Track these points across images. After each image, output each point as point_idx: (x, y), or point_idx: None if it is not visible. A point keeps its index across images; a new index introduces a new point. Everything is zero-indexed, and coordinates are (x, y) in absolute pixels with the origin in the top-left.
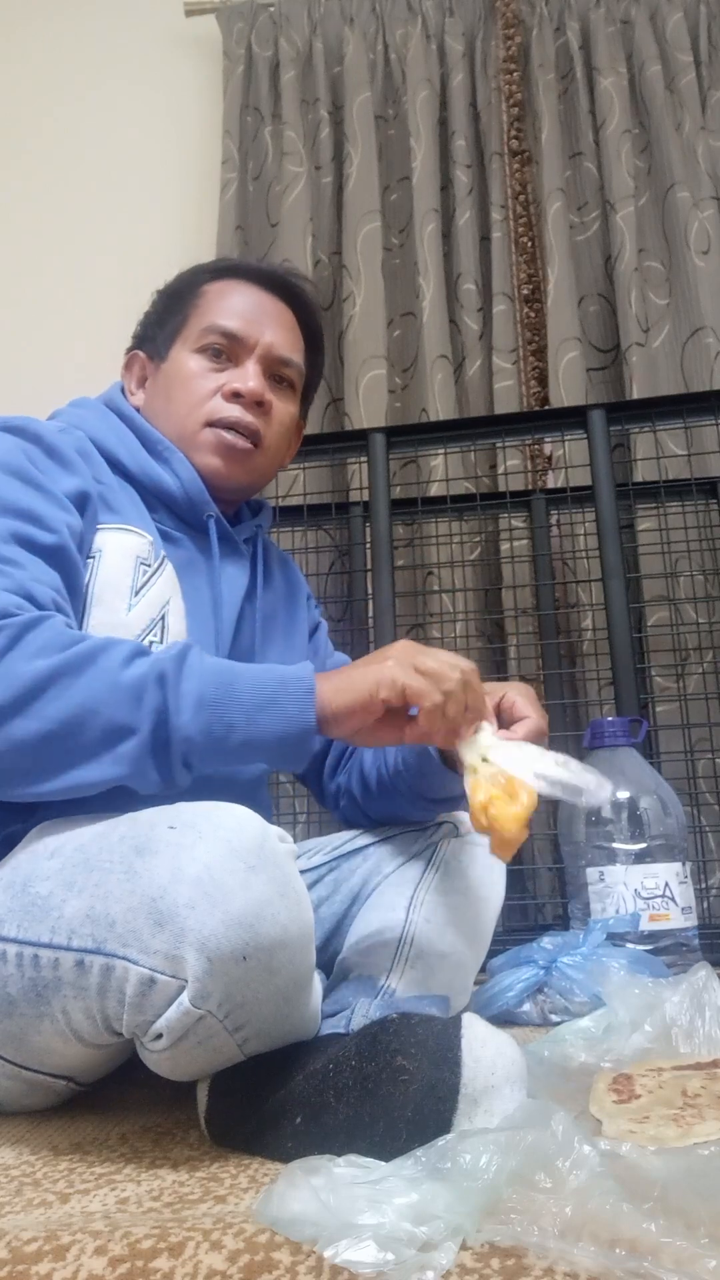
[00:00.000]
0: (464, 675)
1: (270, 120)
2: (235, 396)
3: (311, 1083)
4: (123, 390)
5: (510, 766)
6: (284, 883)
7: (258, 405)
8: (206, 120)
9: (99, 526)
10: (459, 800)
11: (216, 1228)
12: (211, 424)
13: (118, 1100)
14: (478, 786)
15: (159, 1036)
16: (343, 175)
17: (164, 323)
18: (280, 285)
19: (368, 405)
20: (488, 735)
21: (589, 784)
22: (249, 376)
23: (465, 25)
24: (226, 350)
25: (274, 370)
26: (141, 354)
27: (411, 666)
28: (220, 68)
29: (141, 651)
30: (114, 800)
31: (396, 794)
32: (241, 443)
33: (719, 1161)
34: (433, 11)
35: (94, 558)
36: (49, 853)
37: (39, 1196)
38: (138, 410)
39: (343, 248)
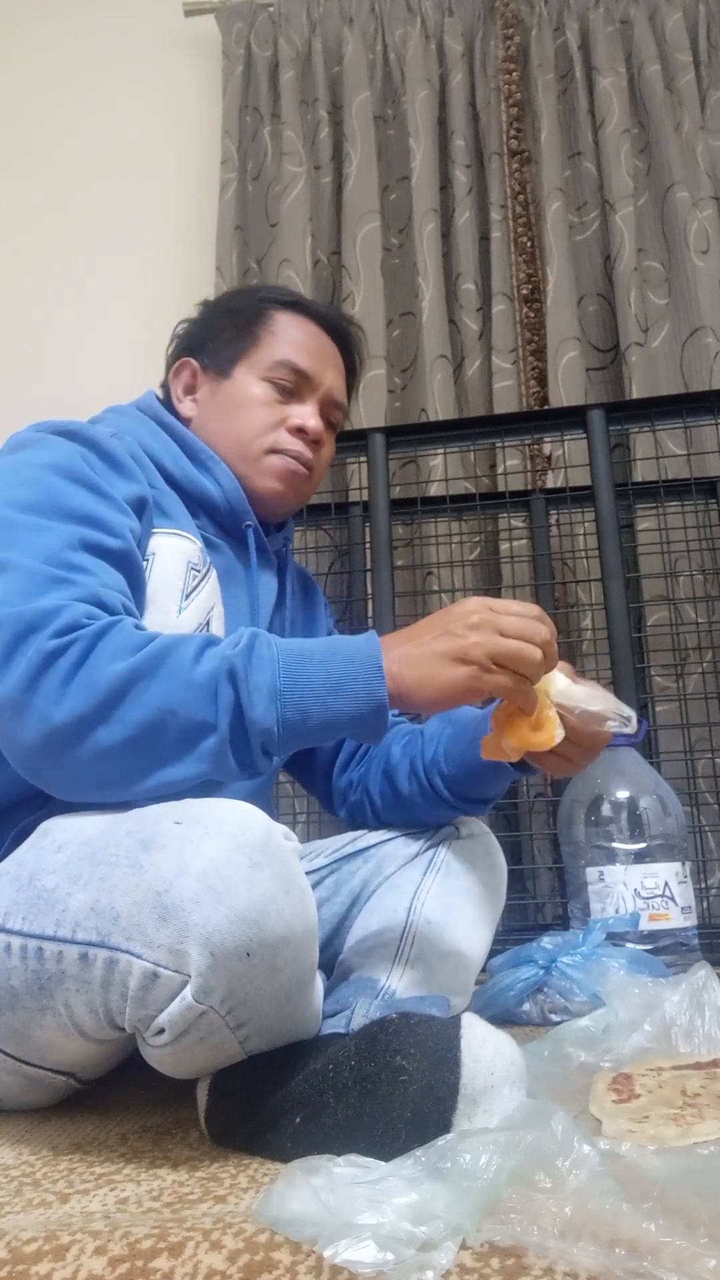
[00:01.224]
0: (547, 626)
1: (269, 120)
2: (299, 432)
3: (311, 1083)
4: (167, 396)
5: (589, 703)
6: (289, 880)
7: (314, 442)
8: (205, 120)
9: (153, 531)
10: (495, 801)
11: (216, 1228)
12: (275, 451)
13: (118, 1100)
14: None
15: (161, 1031)
16: (342, 175)
17: (227, 340)
18: (338, 330)
19: (367, 405)
20: (560, 678)
21: (631, 712)
22: (311, 415)
23: (464, 25)
24: (293, 385)
25: (327, 413)
26: (194, 363)
27: (497, 633)
28: (219, 68)
29: (211, 642)
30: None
31: (430, 795)
32: (302, 470)
33: (718, 1161)
34: (432, 11)
35: (148, 560)
36: (56, 847)
37: (39, 1196)
38: (189, 420)
39: (342, 247)
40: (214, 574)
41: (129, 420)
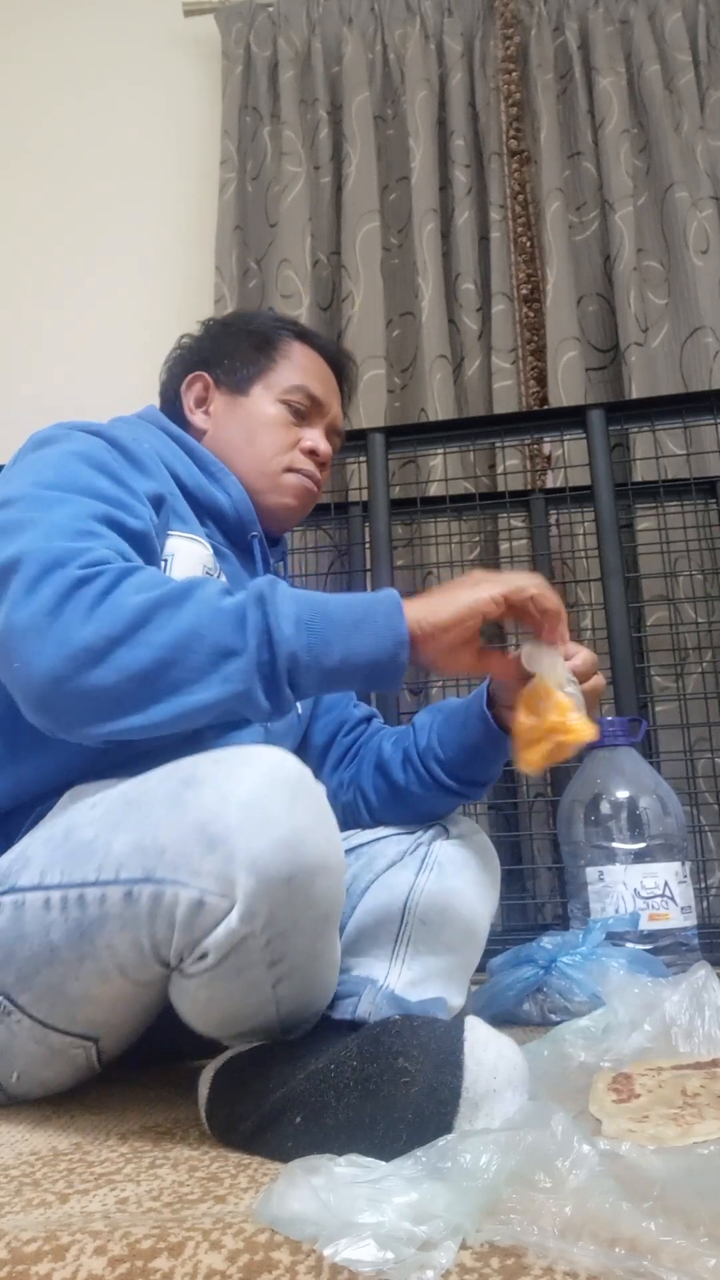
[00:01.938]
0: (541, 580)
1: (269, 120)
2: (311, 454)
3: (312, 1082)
4: (168, 408)
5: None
6: (322, 812)
7: (321, 465)
8: (205, 120)
9: (169, 532)
10: (492, 782)
11: (216, 1227)
12: (292, 470)
13: (118, 1100)
14: (563, 705)
15: (203, 956)
16: (341, 175)
17: (245, 360)
18: (338, 363)
19: (367, 405)
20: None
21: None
22: (321, 439)
23: (464, 25)
24: (306, 410)
25: (328, 438)
26: (208, 377)
27: (497, 579)
28: (219, 68)
29: (231, 590)
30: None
31: (428, 782)
32: (314, 488)
33: (718, 1161)
34: (431, 11)
35: (166, 560)
36: (89, 805)
37: (39, 1196)
38: (201, 432)
39: (341, 247)
40: (224, 580)
41: (141, 430)
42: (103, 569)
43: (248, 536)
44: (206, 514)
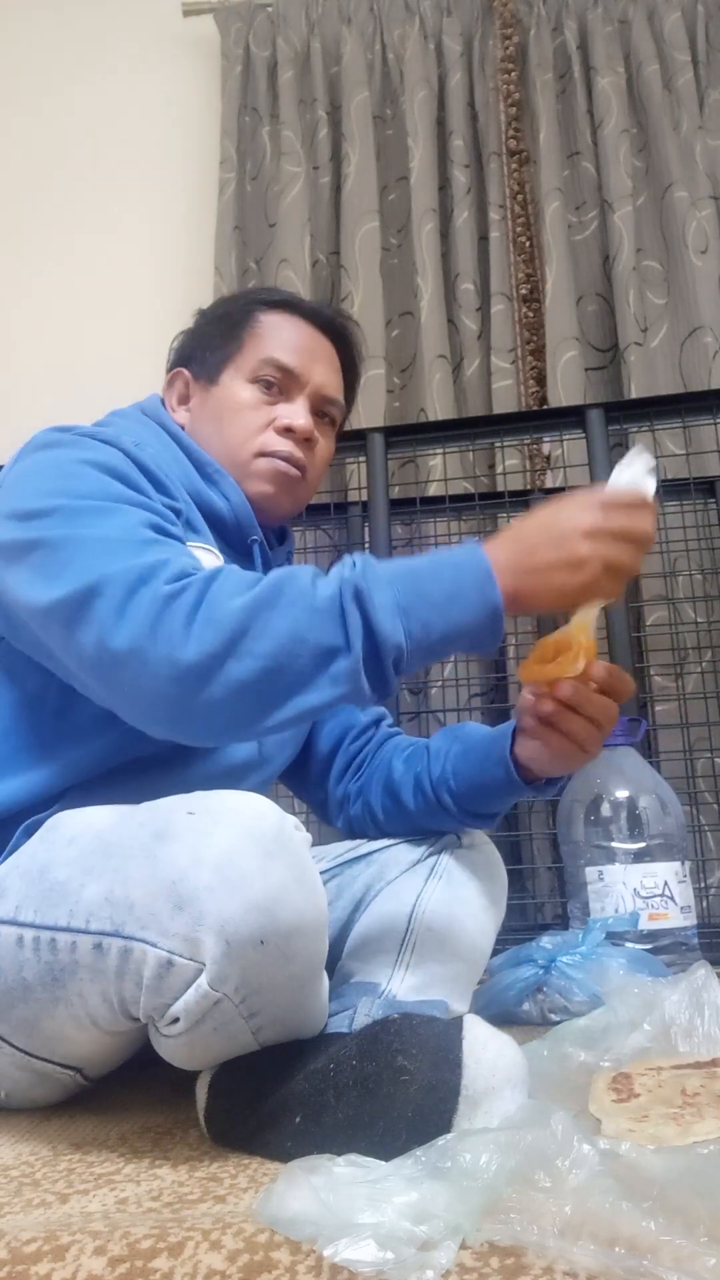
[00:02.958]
0: (651, 520)
1: (268, 120)
2: (287, 432)
3: (311, 1082)
4: (163, 404)
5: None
6: (301, 870)
7: (305, 441)
8: (204, 120)
9: (186, 544)
10: (501, 815)
11: (216, 1227)
12: (264, 454)
13: (118, 1100)
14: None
15: (175, 1020)
16: (341, 175)
17: (215, 346)
18: (329, 325)
19: (366, 405)
20: None
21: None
22: (300, 414)
23: (463, 25)
24: (280, 384)
25: (319, 408)
26: (186, 373)
27: (611, 539)
28: (218, 68)
29: (317, 573)
30: (132, 789)
31: (436, 809)
32: (293, 471)
33: (718, 1160)
34: (430, 11)
35: None
36: (66, 840)
37: (38, 1197)
38: (183, 430)
39: (341, 247)
40: None
41: (141, 428)
42: (187, 582)
43: (247, 541)
44: (205, 519)
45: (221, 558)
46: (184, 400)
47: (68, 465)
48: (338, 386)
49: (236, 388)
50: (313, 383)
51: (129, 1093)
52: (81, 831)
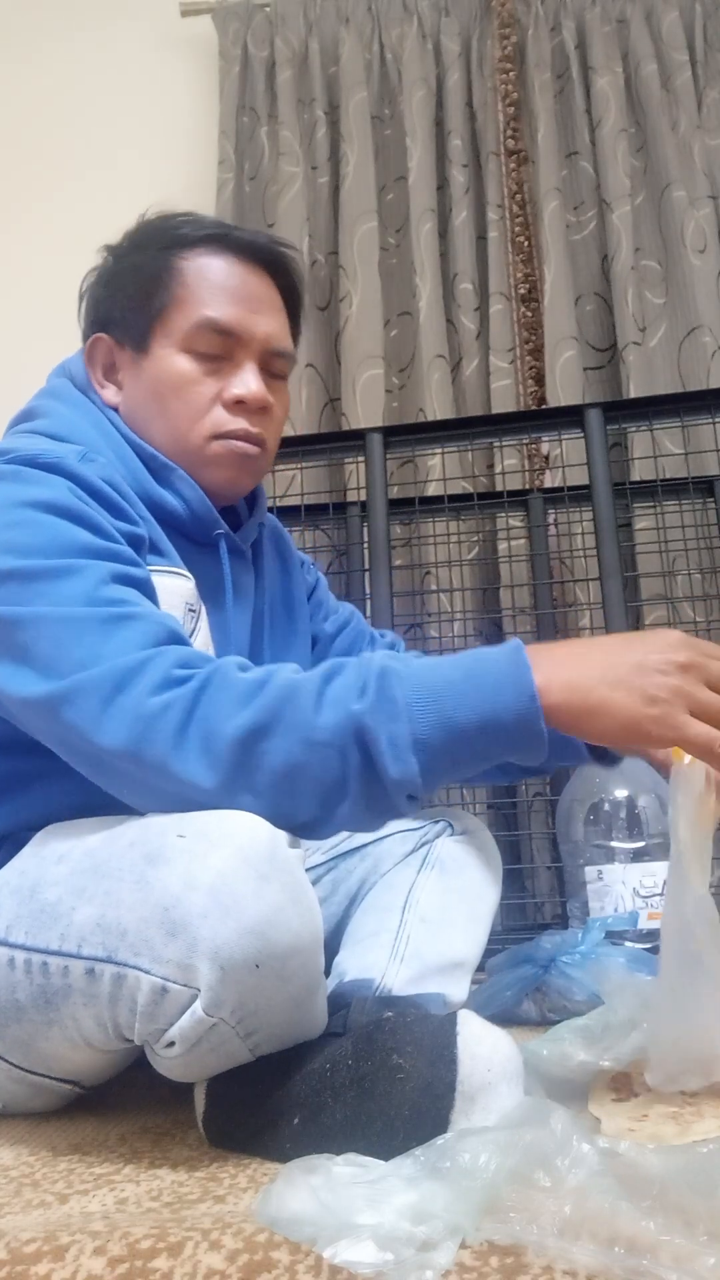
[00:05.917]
0: None
1: (266, 120)
2: (238, 404)
3: (308, 1083)
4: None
5: None
6: (296, 890)
7: (260, 409)
8: (202, 120)
9: (149, 570)
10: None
11: (215, 1227)
12: (218, 436)
13: (117, 1101)
14: None
15: (171, 1044)
16: (339, 175)
17: (136, 305)
18: (267, 259)
19: (365, 405)
20: None
21: None
22: (249, 380)
23: (461, 25)
24: (221, 349)
25: (268, 365)
26: (108, 339)
27: (703, 683)
28: (216, 68)
29: (331, 677)
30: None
31: None
32: (251, 449)
33: (717, 1159)
34: (428, 11)
35: None
36: (56, 857)
37: (38, 1197)
38: (114, 410)
39: (339, 248)
40: (204, 609)
41: (84, 423)
42: (172, 697)
43: (211, 535)
44: (163, 523)
45: (191, 578)
46: (110, 372)
47: (12, 512)
48: (284, 333)
49: (172, 359)
50: (257, 338)
51: (128, 1093)
52: (71, 848)
